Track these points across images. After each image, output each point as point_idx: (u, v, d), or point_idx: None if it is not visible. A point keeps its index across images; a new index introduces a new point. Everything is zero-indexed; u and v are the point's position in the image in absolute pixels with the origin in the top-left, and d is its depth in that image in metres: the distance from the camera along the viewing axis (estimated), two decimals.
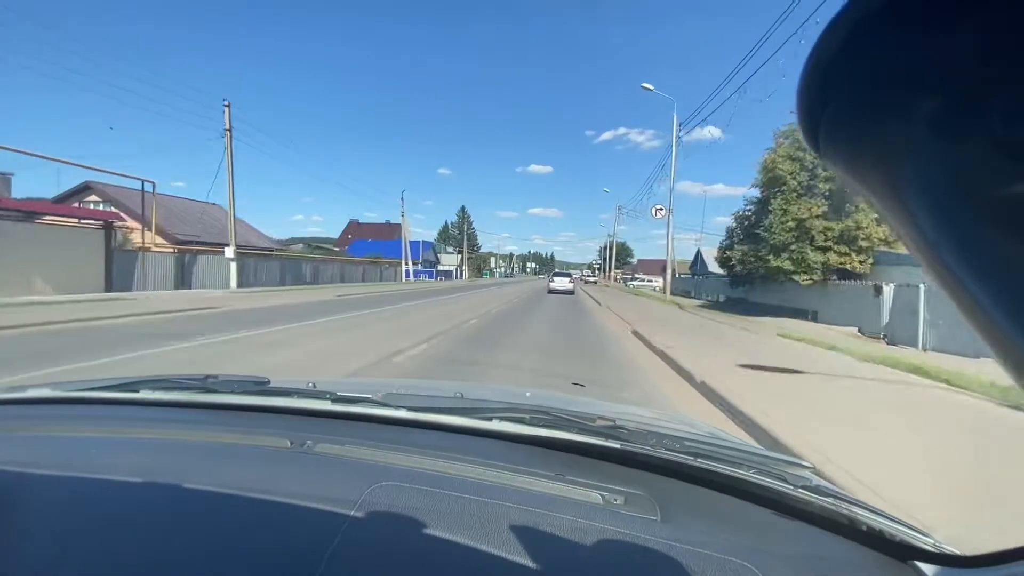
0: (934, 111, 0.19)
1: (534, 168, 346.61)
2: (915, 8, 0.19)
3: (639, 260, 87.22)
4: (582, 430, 0.85)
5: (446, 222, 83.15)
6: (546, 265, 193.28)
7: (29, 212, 14.70)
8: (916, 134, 0.20)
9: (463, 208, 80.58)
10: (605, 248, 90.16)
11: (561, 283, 26.12)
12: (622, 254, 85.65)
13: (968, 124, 0.18)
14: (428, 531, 0.58)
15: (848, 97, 0.22)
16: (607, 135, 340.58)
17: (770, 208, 14.11)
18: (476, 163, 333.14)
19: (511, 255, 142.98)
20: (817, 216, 13.24)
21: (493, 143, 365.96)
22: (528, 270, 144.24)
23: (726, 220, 18.54)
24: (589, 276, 76.98)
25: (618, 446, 0.81)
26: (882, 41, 0.20)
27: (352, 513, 0.60)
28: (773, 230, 13.75)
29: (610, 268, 60.57)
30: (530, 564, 0.53)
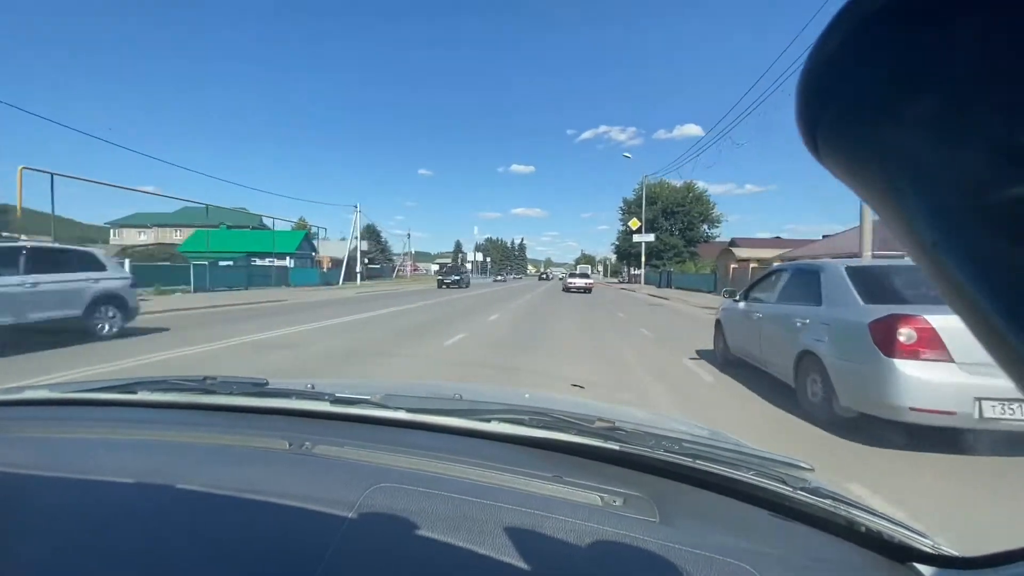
0: (934, 112, 0.19)
1: (516, 168, 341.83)
2: (915, 8, 0.18)
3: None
4: (581, 431, 0.85)
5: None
6: (514, 261, 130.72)
7: None
8: (916, 136, 0.20)
9: None
10: (634, 204, 40.88)
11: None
12: (694, 216, 40.03)
13: (968, 125, 0.18)
14: (427, 533, 0.57)
15: (847, 98, 0.21)
16: (588, 134, 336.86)
17: None
18: (458, 164, 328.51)
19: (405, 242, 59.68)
20: None
21: (474, 143, 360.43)
22: (470, 266, 76.94)
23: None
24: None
25: (617, 447, 0.80)
26: (882, 41, 0.19)
27: (350, 515, 0.60)
28: None
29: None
30: (529, 566, 0.53)
